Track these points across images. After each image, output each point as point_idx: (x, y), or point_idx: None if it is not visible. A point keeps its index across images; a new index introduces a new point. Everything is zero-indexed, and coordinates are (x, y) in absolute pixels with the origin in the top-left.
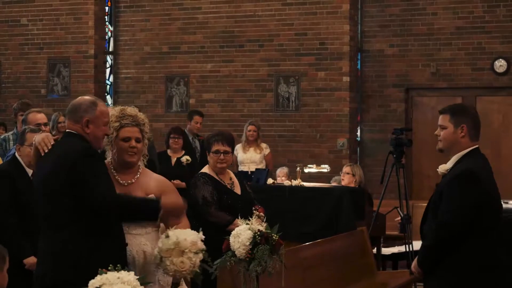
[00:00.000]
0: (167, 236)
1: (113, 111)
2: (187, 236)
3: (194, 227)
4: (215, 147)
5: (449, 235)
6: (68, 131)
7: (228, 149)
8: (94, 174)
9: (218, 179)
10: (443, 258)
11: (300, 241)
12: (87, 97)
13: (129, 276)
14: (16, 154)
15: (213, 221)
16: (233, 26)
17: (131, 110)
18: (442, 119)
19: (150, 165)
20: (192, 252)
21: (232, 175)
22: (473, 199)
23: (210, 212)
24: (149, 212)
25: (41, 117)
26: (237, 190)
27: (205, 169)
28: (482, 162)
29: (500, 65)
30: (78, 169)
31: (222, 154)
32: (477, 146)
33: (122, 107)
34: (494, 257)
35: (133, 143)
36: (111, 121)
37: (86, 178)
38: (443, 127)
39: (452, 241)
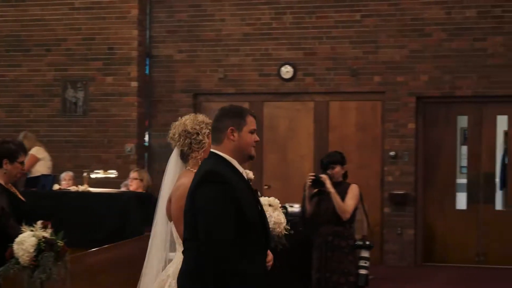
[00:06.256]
0: None
1: (202, 117)
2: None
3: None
4: (21, 158)
5: None
6: None
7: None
8: None
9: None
10: None
11: (87, 247)
12: None
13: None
14: None
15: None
16: (20, 30)
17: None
18: None
19: None
20: (280, 210)
21: None
22: None
23: (10, 225)
24: None
25: None
26: None
27: None
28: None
29: (287, 71)
30: None
31: None
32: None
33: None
34: None
35: None
36: (202, 127)
37: None
38: None
39: None
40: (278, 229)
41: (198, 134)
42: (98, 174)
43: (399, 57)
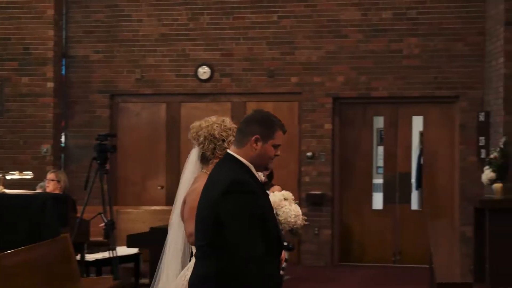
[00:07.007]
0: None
1: (229, 123)
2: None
3: None
4: None
5: None
6: None
7: None
8: None
9: None
10: None
11: (2, 249)
12: None
13: None
14: None
15: None
16: None
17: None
18: None
19: None
20: (294, 203)
21: None
22: None
23: None
24: None
25: None
26: None
27: None
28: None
29: (204, 72)
30: None
31: None
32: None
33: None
34: None
35: None
36: (229, 134)
37: None
38: None
39: None
40: (298, 221)
41: (224, 141)
42: (14, 175)
43: (316, 58)
